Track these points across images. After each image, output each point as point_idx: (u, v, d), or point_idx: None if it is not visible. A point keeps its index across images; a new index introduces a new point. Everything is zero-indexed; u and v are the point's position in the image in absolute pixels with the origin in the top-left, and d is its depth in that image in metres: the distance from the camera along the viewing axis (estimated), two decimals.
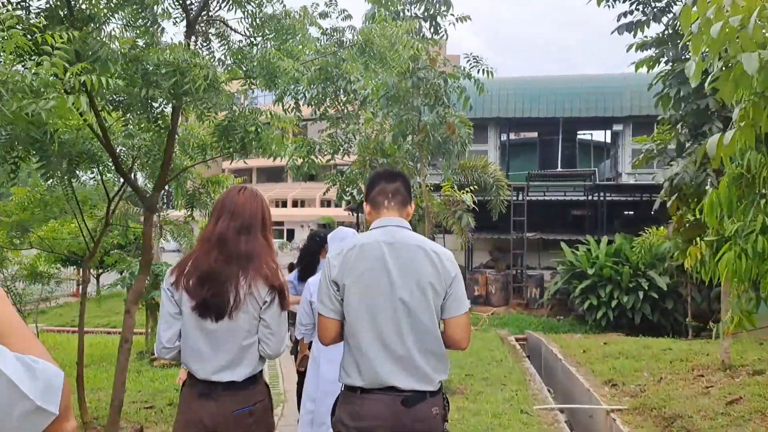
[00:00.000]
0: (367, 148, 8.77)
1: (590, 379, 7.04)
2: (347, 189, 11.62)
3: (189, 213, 5.95)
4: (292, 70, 4.04)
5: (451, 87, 8.07)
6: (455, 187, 8.17)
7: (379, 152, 9.46)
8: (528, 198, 16.09)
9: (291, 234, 55.06)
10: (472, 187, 8.34)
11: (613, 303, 13.53)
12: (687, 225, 6.15)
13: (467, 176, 10.67)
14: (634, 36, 6.73)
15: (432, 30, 8.34)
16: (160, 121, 3.67)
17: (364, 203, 2.46)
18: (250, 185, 2.54)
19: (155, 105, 3.57)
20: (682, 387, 5.93)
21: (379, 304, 2.16)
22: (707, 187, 5.95)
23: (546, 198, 18.16)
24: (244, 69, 3.79)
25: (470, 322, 2.35)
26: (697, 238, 4.65)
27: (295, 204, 57.94)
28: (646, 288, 13.35)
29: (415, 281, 2.16)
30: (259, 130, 3.91)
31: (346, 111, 10.98)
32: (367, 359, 2.15)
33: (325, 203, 53.75)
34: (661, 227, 11.78)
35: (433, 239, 14.95)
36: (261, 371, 2.35)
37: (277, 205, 59.76)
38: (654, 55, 6.80)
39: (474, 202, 8.02)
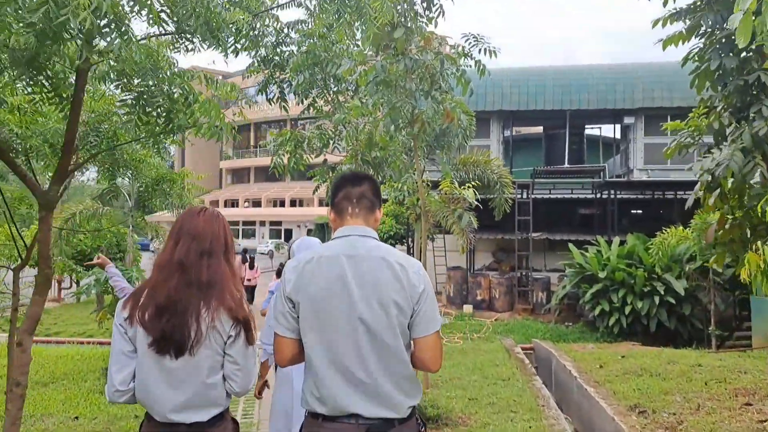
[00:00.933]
0: (356, 140, 7.81)
1: (613, 404, 6.07)
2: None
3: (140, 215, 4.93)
4: (243, 23, 3.07)
5: (448, 70, 7.09)
6: (455, 183, 7.20)
7: (370, 145, 8.50)
8: (533, 196, 15.09)
9: (289, 234, 54.37)
10: (474, 184, 7.37)
11: (627, 309, 12.58)
12: (728, 225, 5.17)
13: (468, 172, 9.71)
14: (665, 4, 5.74)
15: (425, 5, 7.36)
16: (59, 89, 2.69)
17: (329, 210, 2.25)
18: (210, 207, 2.28)
19: (48, 63, 2.59)
20: (729, 419, 4.95)
21: (336, 324, 1.98)
22: (755, 180, 4.98)
23: (552, 196, 17.18)
24: (175, 19, 2.79)
25: (441, 343, 2.11)
26: (759, 243, 3.64)
27: (293, 203, 57.30)
28: (662, 292, 12.40)
29: (376, 298, 1.98)
30: (188, 96, 2.91)
31: (336, 101, 10.04)
32: (325, 385, 1.99)
33: (324, 202, 53.12)
34: (680, 227, 10.84)
35: (432, 240, 13.98)
36: (227, 408, 2.16)
37: (274, 205, 59.19)
38: (684, 31, 5.82)
39: (476, 200, 7.04)
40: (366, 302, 1.97)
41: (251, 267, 18.14)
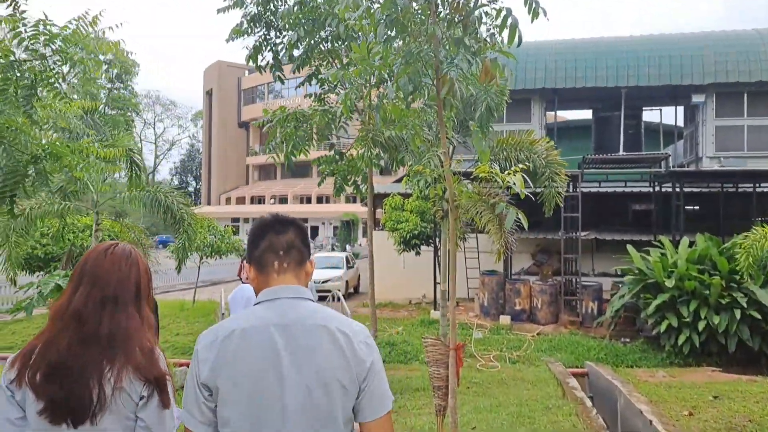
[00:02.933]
0: (364, 110, 5.89)
1: None
2: (348, 177, 8.72)
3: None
4: None
5: (486, 8, 5.08)
6: (495, 167, 5.21)
7: (384, 119, 6.57)
8: (582, 189, 12.90)
9: (315, 232, 52.92)
10: (522, 167, 5.38)
11: (700, 324, 10.37)
12: None
13: (509, 158, 7.66)
14: None
15: None
16: None
17: (246, 265, 1.87)
18: (123, 243, 1.91)
19: None
20: None
21: (266, 415, 1.60)
22: None
23: (601, 190, 14.93)
24: None
25: (392, 425, 1.75)
26: None
27: (319, 200, 56.04)
28: (744, 305, 10.19)
29: (316, 379, 1.62)
30: None
31: (341, 64, 8.09)
32: None
33: (351, 199, 51.60)
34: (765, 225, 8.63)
35: (464, 240, 11.92)
36: None
37: (301, 201, 58.00)
38: None
39: (526, 190, 5.03)
40: (304, 387, 1.61)
41: None
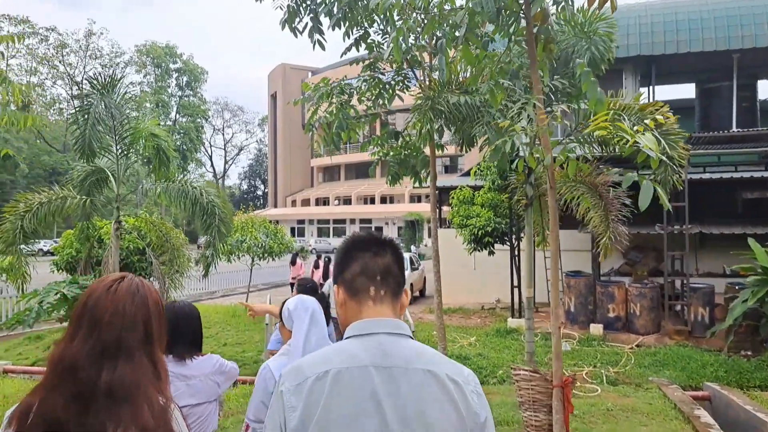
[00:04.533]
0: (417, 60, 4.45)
1: None
2: (407, 160, 7.27)
3: None
4: None
5: None
6: (614, 125, 3.60)
7: (455, 72, 5.11)
8: (690, 175, 10.86)
9: (379, 232, 51.74)
10: (646, 129, 3.78)
11: None
12: None
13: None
14: None
15: None
16: None
17: (335, 287, 1.58)
18: (131, 275, 1.62)
19: None
20: None
21: None
22: None
23: (708, 176, 12.71)
24: None
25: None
26: None
27: (383, 200, 55.05)
28: None
29: None
30: None
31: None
32: None
33: (414, 198, 50.17)
34: None
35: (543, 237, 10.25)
36: None
37: (365, 202, 57.19)
38: None
39: (658, 154, 3.41)
40: None
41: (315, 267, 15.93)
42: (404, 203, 51.43)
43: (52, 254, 13.21)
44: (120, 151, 6.81)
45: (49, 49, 55.39)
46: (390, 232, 49.70)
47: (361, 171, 58.87)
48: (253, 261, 14.28)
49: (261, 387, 2.57)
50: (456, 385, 1.41)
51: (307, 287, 4.04)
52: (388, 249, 1.57)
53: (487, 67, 4.36)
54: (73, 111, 6.37)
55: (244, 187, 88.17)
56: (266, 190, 78.05)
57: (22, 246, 6.22)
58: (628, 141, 4.08)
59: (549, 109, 4.36)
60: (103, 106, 6.28)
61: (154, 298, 1.62)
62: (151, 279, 8.76)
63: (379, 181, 55.81)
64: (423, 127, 5.81)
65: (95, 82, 6.06)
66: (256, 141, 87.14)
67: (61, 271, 12.13)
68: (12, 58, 54.84)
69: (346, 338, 1.49)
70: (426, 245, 39.64)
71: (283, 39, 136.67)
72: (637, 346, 10.50)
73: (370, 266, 1.53)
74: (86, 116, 5.95)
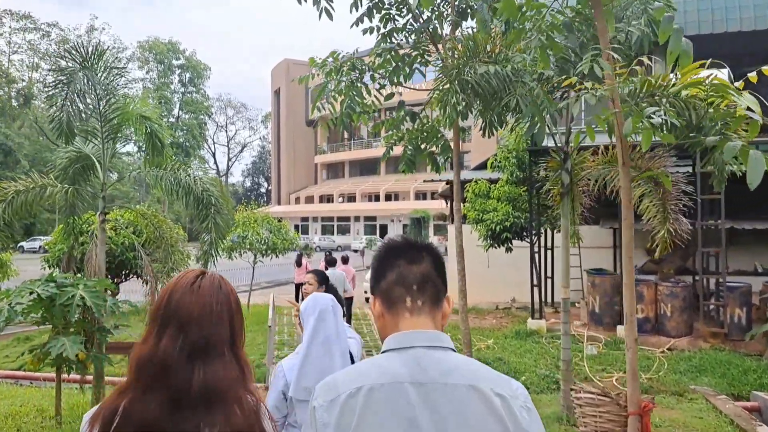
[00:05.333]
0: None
1: None
2: (424, 143, 6.52)
3: None
4: None
5: None
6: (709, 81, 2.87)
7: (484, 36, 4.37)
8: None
9: (384, 229, 51.03)
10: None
11: None
12: None
13: (657, 103, 5.20)
14: None
15: None
16: None
17: (371, 297, 1.52)
18: (210, 271, 1.55)
19: None
20: None
21: None
22: None
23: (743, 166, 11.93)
24: None
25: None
26: None
27: (387, 197, 54.24)
28: None
29: None
30: None
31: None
32: None
33: (420, 195, 49.34)
34: None
35: (573, 232, 9.48)
36: None
37: (369, 199, 56.42)
38: None
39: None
40: None
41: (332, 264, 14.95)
42: (410, 200, 50.64)
43: (46, 251, 12.61)
44: (106, 134, 6.08)
45: (50, 44, 54.89)
46: (395, 230, 48.96)
47: (365, 168, 58.13)
48: (255, 258, 13.54)
49: (273, 385, 2.65)
50: (503, 401, 1.29)
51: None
52: (424, 254, 1.47)
53: (530, 21, 3.61)
54: (50, 84, 5.63)
55: (248, 184, 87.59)
56: (270, 188, 77.41)
57: None
58: (718, 105, 3.34)
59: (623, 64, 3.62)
60: (86, 81, 5.56)
61: (234, 292, 1.57)
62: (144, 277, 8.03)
63: (384, 177, 55.07)
64: (448, 103, 5.06)
65: (75, 53, 5.35)
66: (260, 138, 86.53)
67: (52, 268, 11.50)
68: (14, 54, 54.41)
69: (383, 352, 1.40)
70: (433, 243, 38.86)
71: (287, 37, 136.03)
72: (669, 349, 9.75)
73: (405, 275, 1.44)
74: (65, 91, 5.24)
